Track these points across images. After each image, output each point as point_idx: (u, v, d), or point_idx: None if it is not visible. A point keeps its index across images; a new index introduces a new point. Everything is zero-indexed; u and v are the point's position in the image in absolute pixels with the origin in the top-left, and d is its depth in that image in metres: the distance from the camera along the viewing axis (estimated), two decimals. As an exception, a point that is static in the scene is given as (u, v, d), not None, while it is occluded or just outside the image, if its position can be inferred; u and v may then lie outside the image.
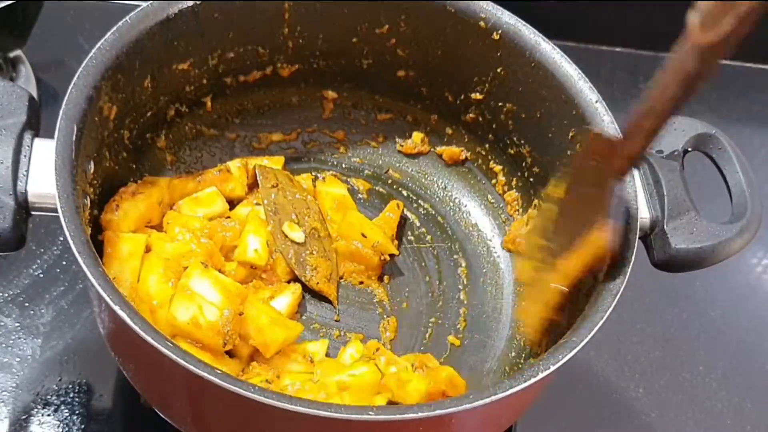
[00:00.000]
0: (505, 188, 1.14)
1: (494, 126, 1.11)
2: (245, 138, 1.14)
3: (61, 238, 1.15)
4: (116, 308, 0.76)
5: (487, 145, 1.14)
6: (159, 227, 1.01)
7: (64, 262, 1.13)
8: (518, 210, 1.13)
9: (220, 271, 0.98)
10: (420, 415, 0.75)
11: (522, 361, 1.02)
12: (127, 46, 0.93)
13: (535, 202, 1.08)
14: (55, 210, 0.80)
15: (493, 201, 1.15)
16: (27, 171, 0.84)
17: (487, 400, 0.76)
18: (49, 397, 1.03)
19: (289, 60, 1.10)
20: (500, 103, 1.08)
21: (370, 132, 1.18)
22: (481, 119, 1.12)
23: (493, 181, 1.15)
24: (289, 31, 1.07)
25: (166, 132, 1.08)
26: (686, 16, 0.70)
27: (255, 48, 1.07)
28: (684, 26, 0.70)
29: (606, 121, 0.95)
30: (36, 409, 1.02)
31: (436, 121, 1.17)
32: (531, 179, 1.10)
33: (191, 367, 0.74)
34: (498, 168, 1.14)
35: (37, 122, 0.88)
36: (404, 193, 1.17)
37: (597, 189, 0.84)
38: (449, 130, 1.17)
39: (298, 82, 1.14)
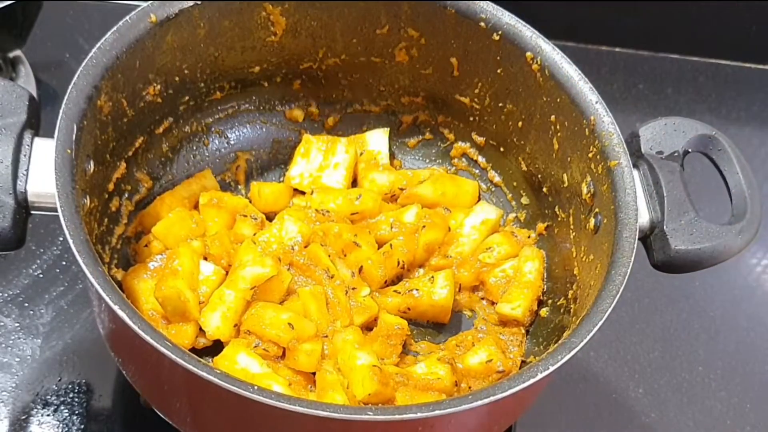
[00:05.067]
0: (505, 188, 1.15)
1: (494, 127, 1.11)
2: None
3: (61, 238, 1.15)
4: (116, 308, 0.76)
5: (486, 146, 1.14)
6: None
7: (64, 262, 1.14)
8: (515, 209, 1.13)
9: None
10: (419, 415, 0.75)
11: None
12: (127, 46, 0.93)
13: None
14: (55, 209, 0.80)
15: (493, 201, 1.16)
16: (27, 170, 0.84)
17: (486, 401, 0.76)
18: (48, 397, 1.03)
19: (288, 60, 1.11)
20: (500, 104, 1.08)
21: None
22: (480, 120, 1.12)
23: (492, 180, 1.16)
24: (286, 31, 1.07)
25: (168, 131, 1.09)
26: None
27: (254, 48, 1.08)
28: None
29: (606, 122, 0.95)
30: (35, 409, 1.02)
31: (437, 122, 1.17)
32: (530, 179, 1.10)
33: (191, 367, 0.74)
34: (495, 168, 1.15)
35: (37, 122, 0.88)
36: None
37: None
38: (448, 131, 1.17)
39: (301, 80, 1.15)
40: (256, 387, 0.74)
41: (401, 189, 1.12)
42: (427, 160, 1.19)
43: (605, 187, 0.94)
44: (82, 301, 1.11)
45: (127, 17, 0.94)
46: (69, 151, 0.84)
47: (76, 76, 0.88)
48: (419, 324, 1.06)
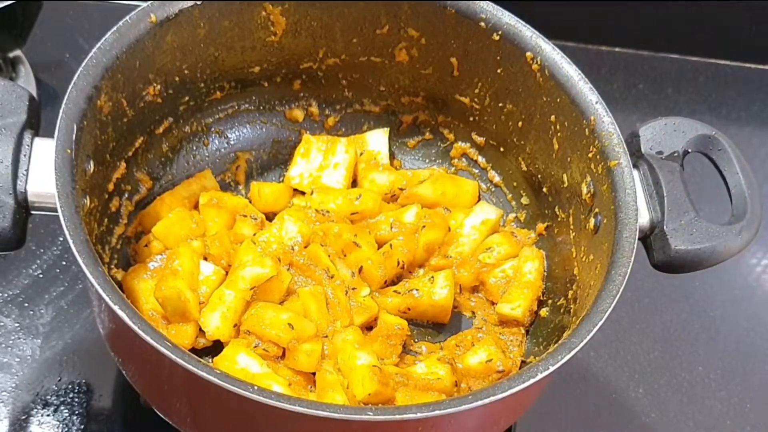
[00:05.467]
0: (505, 188, 1.15)
1: (494, 127, 1.11)
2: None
3: (61, 238, 1.15)
4: (116, 308, 0.76)
5: (486, 146, 1.14)
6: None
7: (64, 262, 1.13)
8: (515, 209, 1.13)
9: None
10: (419, 415, 0.75)
11: None
12: (127, 46, 0.93)
13: None
14: (55, 209, 0.80)
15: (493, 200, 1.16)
16: (27, 170, 0.84)
17: (486, 401, 0.76)
18: (48, 397, 1.03)
19: (288, 60, 1.11)
20: (500, 104, 1.08)
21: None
22: (480, 120, 1.12)
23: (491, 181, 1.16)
24: (286, 31, 1.07)
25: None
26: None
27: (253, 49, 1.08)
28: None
29: (606, 122, 0.95)
30: (35, 410, 1.02)
31: (437, 122, 1.17)
32: (530, 179, 1.10)
33: (191, 367, 0.74)
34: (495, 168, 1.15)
35: (37, 122, 0.88)
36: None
37: None
38: (448, 131, 1.17)
39: (301, 80, 1.14)
40: (256, 387, 0.74)
41: (401, 189, 1.12)
42: (427, 160, 1.19)
43: (605, 187, 0.94)
44: (82, 301, 1.11)
45: (127, 17, 0.94)
46: (69, 151, 0.84)
47: (76, 76, 0.88)
48: (419, 324, 1.06)
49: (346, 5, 1.05)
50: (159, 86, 1.02)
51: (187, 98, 1.07)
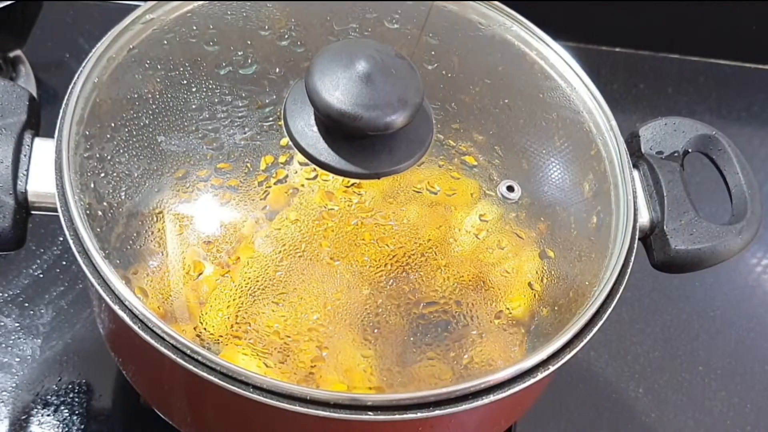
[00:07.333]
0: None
1: (495, 126, 1.11)
2: None
3: (61, 238, 1.15)
4: (116, 308, 0.76)
5: (486, 146, 1.14)
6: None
7: (64, 262, 1.13)
8: (515, 208, 1.13)
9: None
10: (419, 415, 0.75)
11: None
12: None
13: None
14: (55, 209, 0.80)
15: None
16: (27, 170, 0.84)
17: (486, 401, 0.76)
18: (48, 397, 1.03)
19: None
20: (501, 103, 1.08)
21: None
22: (481, 120, 1.12)
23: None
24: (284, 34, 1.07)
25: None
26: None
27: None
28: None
29: (606, 122, 0.95)
30: (36, 410, 1.02)
31: (436, 122, 1.17)
32: (531, 179, 1.10)
33: (191, 367, 0.74)
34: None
35: (37, 122, 0.88)
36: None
37: None
38: (448, 131, 1.17)
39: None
40: (255, 387, 0.74)
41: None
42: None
43: (606, 187, 0.94)
44: (82, 301, 1.11)
45: (128, 17, 0.94)
46: (69, 151, 0.84)
47: (76, 76, 0.88)
48: (419, 324, 1.06)
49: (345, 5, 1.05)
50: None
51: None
